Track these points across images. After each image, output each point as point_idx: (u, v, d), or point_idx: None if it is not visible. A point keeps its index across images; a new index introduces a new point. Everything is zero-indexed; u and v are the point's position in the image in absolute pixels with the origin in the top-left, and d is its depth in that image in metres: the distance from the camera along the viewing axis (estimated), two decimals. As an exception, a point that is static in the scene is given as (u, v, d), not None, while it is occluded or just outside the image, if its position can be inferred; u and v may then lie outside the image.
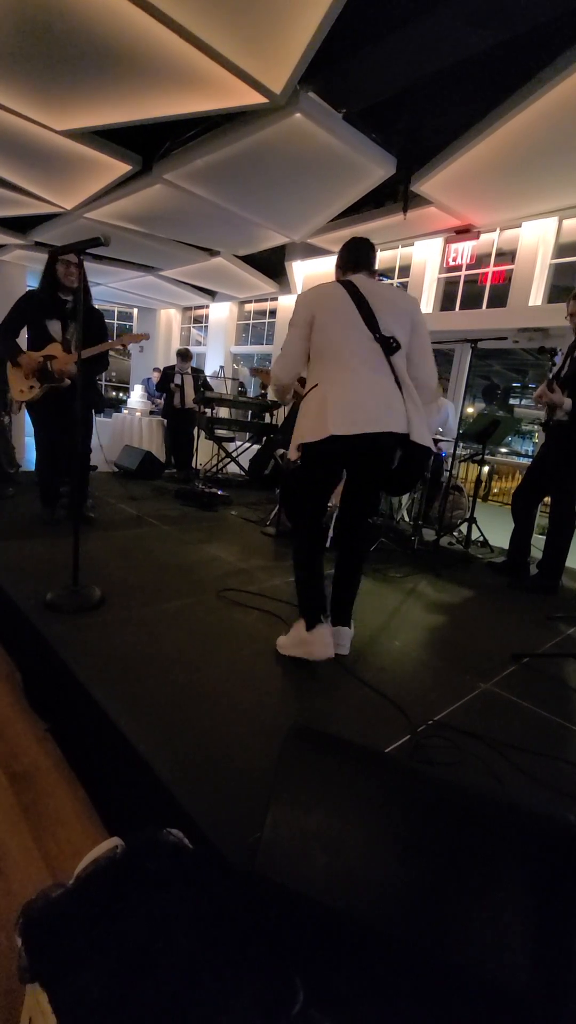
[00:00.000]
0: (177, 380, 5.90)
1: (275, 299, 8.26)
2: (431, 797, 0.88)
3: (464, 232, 5.31)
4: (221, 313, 9.41)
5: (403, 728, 1.54)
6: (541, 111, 3.23)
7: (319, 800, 0.91)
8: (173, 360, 6.20)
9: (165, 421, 6.48)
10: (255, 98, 3.26)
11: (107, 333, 3.18)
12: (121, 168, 4.54)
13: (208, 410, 5.28)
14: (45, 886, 0.85)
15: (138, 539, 3.20)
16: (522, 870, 0.79)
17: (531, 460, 3.43)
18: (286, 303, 7.88)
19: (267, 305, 8.68)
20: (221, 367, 9.09)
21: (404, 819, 0.87)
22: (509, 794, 1.31)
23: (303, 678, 1.79)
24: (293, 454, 1.83)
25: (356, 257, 1.91)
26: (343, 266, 1.94)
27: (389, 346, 1.75)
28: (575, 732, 1.65)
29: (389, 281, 6.39)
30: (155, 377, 8.75)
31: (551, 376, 2.86)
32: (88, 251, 1.98)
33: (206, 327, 10.03)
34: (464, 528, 3.84)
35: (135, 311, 11.17)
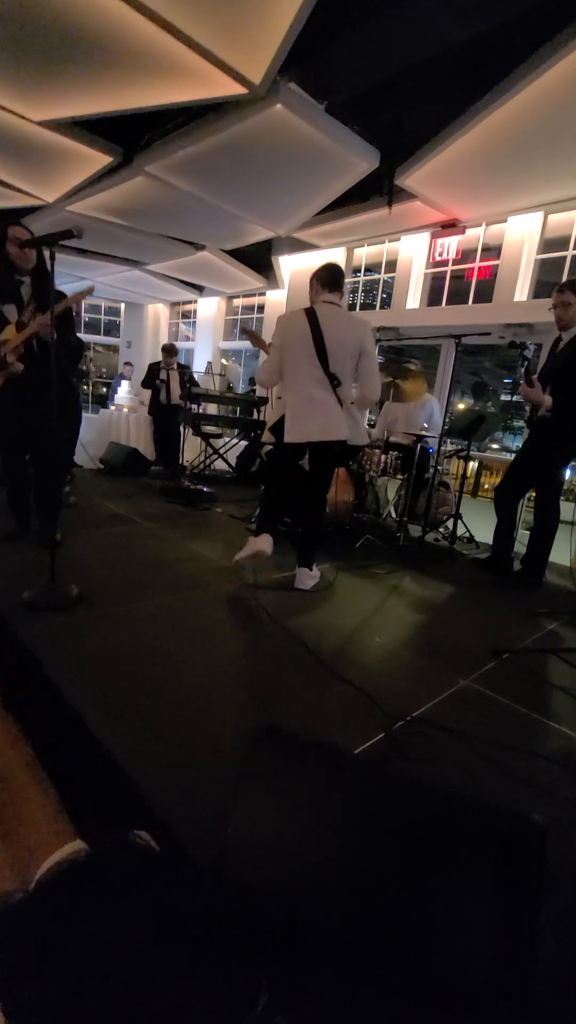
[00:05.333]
0: (163, 376, 5.84)
1: (263, 294, 8.19)
2: (396, 797, 0.87)
3: (450, 227, 5.29)
4: (209, 308, 9.33)
5: (381, 724, 1.53)
6: (525, 103, 3.20)
7: (284, 801, 0.90)
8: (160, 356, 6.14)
9: (135, 412, 6.45)
10: (234, 88, 3.22)
11: (70, 312, 3.03)
12: (102, 160, 4.47)
13: (195, 406, 5.24)
14: (5, 891, 0.83)
15: (120, 537, 3.17)
16: (486, 869, 0.78)
17: (514, 456, 3.43)
18: (274, 298, 7.82)
19: (255, 300, 8.62)
20: (209, 362, 9.03)
21: (368, 819, 0.86)
22: (481, 790, 1.31)
23: (281, 675, 1.78)
24: (267, 437, 2.47)
25: (334, 280, 2.41)
26: (322, 285, 2.42)
27: (335, 380, 2.37)
28: (549, 726, 1.66)
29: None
30: (127, 371, 8.65)
31: (524, 371, 2.80)
32: (63, 243, 1.94)
33: (194, 322, 9.96)
34: (450, 524, 3.84)
35: (122, 306, 11.06)
